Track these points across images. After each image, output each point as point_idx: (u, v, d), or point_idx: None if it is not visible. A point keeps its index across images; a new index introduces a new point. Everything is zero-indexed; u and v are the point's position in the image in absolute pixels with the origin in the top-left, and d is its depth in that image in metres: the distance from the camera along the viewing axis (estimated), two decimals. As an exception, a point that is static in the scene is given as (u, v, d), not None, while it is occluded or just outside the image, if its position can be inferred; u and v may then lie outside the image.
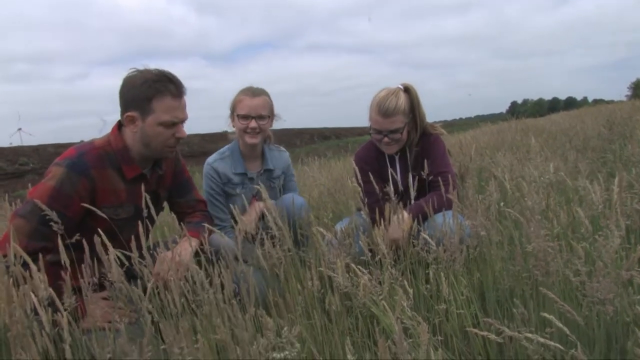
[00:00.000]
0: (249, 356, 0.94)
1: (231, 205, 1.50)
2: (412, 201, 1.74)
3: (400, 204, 1.62)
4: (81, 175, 1.38)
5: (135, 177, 1.50)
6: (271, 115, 2.01)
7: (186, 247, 1.48)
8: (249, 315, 1.01)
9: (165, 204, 1.78)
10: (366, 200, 1.59)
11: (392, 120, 1.86)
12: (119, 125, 1.52)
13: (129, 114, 1.45)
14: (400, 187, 1.78)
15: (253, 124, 1.93)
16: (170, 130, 1.48)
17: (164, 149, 1.51)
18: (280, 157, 2.13)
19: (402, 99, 1.88)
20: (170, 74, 1.48)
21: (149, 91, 1.42)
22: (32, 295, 0.90)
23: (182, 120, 1.50)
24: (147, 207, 1.26)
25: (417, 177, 1.77)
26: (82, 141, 1.56)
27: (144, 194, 1.29)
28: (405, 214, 1.68)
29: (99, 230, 1.13)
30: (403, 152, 1.98)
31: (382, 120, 1.86)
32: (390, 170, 1.85)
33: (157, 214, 1.36)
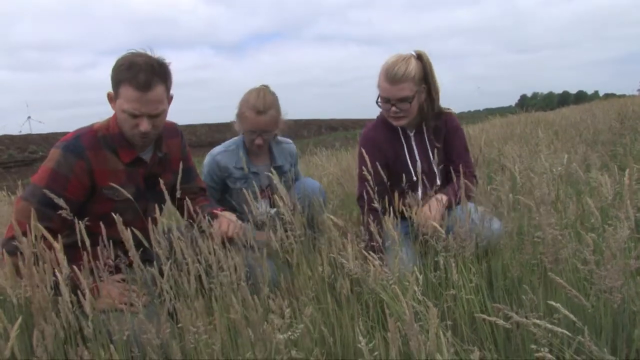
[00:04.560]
0: (260, 336, 0.96)
1: (244, 191, 1.51)
2: (438, 181, 1.76)
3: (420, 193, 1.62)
4: (76, 157, 1.40)
5: (133, 161, 1.51)
6: (277, 126, 1.97)
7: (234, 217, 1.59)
8: (263, 296, 1.04)
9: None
10: (360, 190, 1.62)
11: (400, 87, 1.70)
12: None
13: (109, 91, 1.46)
14: (419, 169, 1.63)
15: (259, 140, 1.92)
16: (134, 120, 1.41)
17: (132, 137, 1.46)
18: (287, 150, 2.12)
19: (413, 65, 1.72)
20: (149, 64, 1.38)
21: (119, 76, 1.39)
22: (57, 273, 0.93)
23: (145, 114, 1.40)
24: (149, 188, 1.25)
25: (435, 153, 1.76)
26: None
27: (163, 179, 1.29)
28: (444, 196, 1.67)
29: (112, 214, 1.15)
30: (419, 131, 1.84)
31: (390, 87, 1.72)
32: (407, 154, 1.80)
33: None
